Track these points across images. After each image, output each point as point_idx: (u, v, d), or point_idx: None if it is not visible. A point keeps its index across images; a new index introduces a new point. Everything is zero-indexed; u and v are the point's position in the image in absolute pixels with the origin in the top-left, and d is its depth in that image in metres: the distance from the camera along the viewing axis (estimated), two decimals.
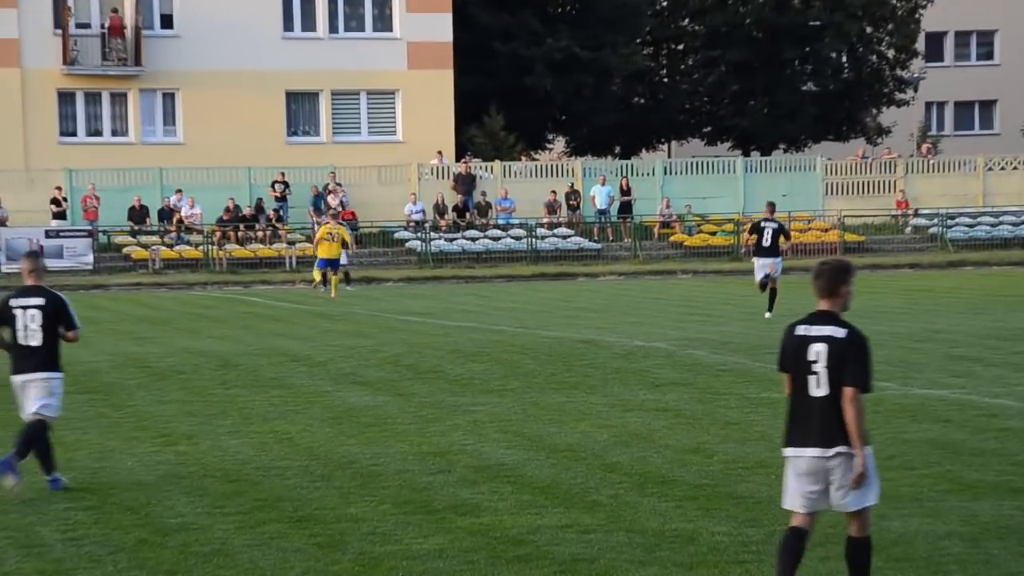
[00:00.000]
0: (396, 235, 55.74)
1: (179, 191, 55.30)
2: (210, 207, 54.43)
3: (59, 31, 57.83)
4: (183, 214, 54.49)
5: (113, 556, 11.43)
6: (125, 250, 52.95)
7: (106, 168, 55.65)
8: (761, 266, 32.14)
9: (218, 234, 53.43)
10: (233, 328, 31.32)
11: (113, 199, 54.15)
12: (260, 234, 54.60)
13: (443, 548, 11.56)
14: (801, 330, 9.60)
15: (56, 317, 14.01)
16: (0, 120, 56.81)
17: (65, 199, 53.78)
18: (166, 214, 54.69)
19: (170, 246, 53.23)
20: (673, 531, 12.00)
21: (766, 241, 32.11)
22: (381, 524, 12.35)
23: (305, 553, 11.49)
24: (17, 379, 14.12)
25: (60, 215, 53.50)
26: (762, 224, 32.48)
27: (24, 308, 13.97)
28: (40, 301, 13.98)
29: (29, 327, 13.94)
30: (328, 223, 42.29)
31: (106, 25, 58.58)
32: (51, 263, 50.12)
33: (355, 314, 34.70)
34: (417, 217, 56.42)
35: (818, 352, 9.45)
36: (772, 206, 33.29)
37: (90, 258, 51.10)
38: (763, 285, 31.93)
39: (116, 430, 17.54)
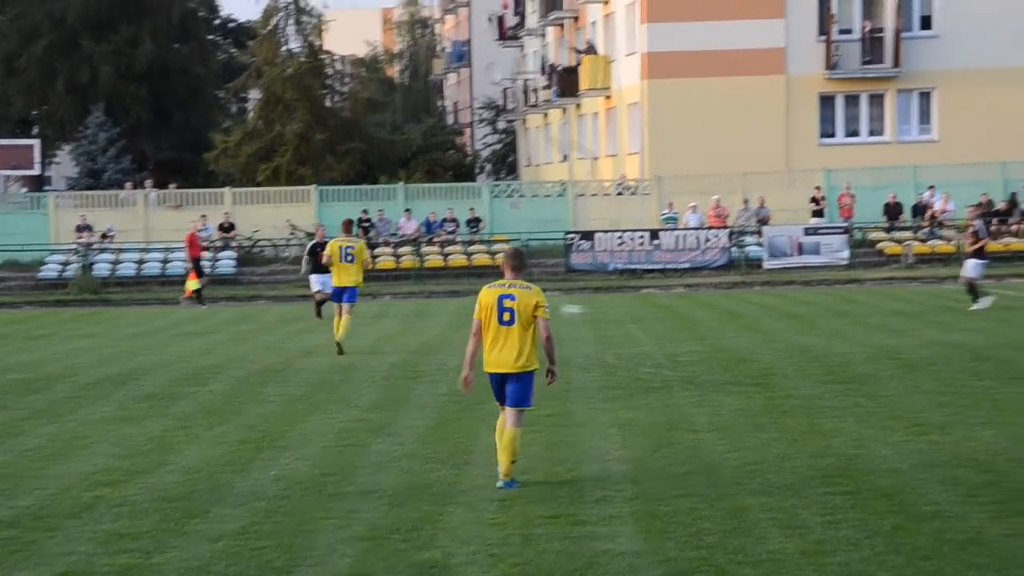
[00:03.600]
0: None
1: (931, 187, 54.74)
2: (962, 202, 53.49)
3: (823, 38, 58.67)
4: (935, 209, 53.87)
5: (870, 540, 11.50)
6: (878, 246, 52.97)
7: (861, 167, 55.97)
8: None
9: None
10: (986, 321, 30.65)
11: (867, 197, 54.33)
12: (1014, 228, 53.09)
13: None
14: None
15: None
16: (764, 125, 58.25)
17: (823, 198, 54.47)
18: (919, 210, 54.25)
19: (923, 241, 52.76)
20: None
21: None
22: None
23: None
24: None
25: (818, 213, 54.24)
26: None
27: None
28: None
29: None
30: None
31: (867, 29, 58.89)
32: (809, 259, 51.11)
33: None
34: None
35: None
36: None
37: (845, 254, 51.43)
38: None
39: (871, 419, 17.61)
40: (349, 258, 26.70)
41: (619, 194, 57.13)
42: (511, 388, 13.99)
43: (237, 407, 20.17)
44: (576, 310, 33.56)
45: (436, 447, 16.41)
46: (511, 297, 13.88)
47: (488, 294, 14.01)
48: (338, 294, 26.98)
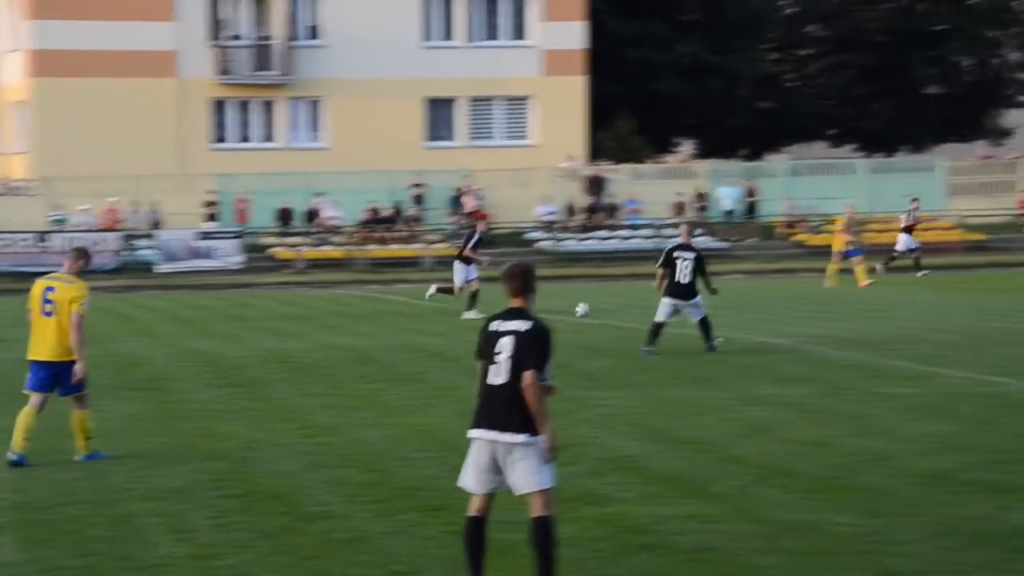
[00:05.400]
0: (527, 235, 55.82)
1: (322, 194, 55.82)
2: (352, 209, 54.94)
3: (213, 43, 58.70)
4: (326, 216, 54.99)
5: (258, 542, 11.56)
6: (271, 251, 53.54)
7: (255, 173, 56.38)
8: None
9: (359, 235, 53.84)
10: (372, 325, 31.54)
11: (261, 202, 54.82)
12: (399, 235, 54.95)
13: (571, 537, 11.54)
14: (494, 325, 9.76)
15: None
16: (156, 128, 57.73)
17: (217, 202, 54.53)
18: (311, 216, 55.23)
19: (314, 246, 53.74)
20: (795, 522, 11.90)
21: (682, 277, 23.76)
22: (512, 514, 12.34)
23: (439, 541, 11.54)
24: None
25: (212, 217, 54.26)
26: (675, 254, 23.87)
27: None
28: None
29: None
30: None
31: (257, 37, 59.42)
32: (202, 263, 51.05)
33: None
34: (549, 218, 56.44)
35: (503, 345, 9.61)
36: (689, 229, 25.67)
37: (239, 258, 51.72)
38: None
39: (262, 422, 17.74)
40: None
41: (4, 195, 55.14)
42: (64, 379, 14.84)
43: None
44: (583, 309, 31.46)
45: None
46: (53, 289, 14.82)
47: (37, 286, 15.00)
48: None
